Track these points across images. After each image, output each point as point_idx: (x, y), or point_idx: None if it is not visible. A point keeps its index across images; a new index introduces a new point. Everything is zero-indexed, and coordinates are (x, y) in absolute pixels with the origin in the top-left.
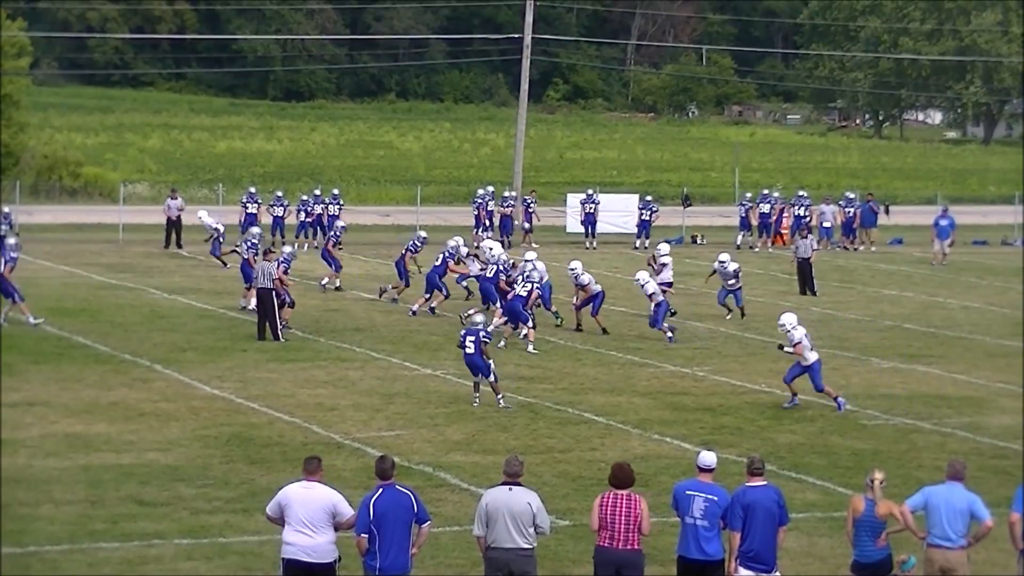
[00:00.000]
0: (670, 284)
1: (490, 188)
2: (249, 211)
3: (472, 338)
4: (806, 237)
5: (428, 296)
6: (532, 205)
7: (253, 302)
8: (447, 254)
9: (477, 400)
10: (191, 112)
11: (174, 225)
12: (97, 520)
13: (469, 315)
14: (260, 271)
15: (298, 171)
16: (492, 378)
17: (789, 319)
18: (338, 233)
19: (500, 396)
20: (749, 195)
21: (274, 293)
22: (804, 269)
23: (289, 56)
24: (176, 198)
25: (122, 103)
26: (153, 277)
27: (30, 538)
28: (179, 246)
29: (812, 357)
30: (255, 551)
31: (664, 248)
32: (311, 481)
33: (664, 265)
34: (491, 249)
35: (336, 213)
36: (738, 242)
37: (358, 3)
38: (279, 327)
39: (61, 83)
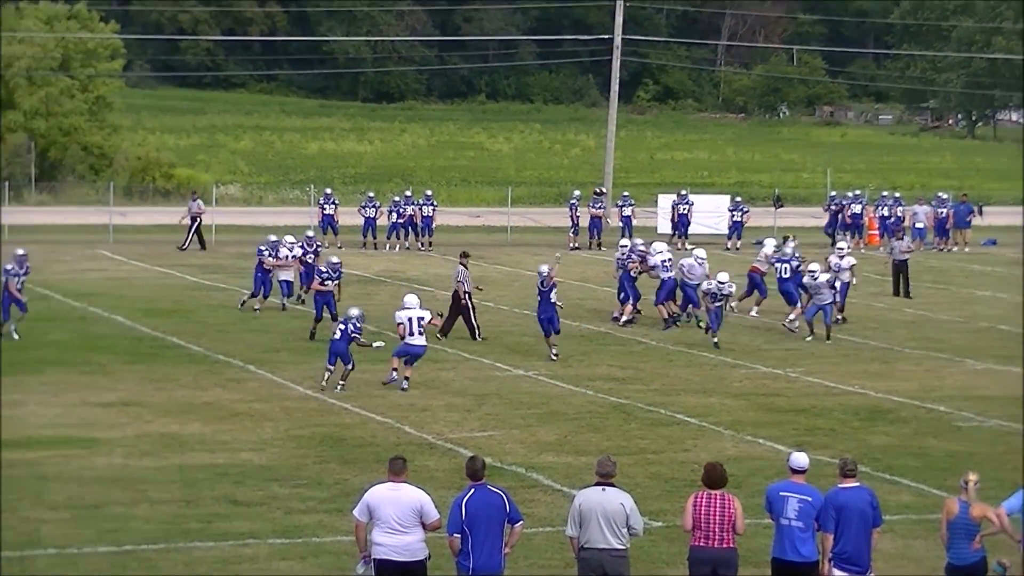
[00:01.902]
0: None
1: (576, 192)
2: (326, 212)
3: (341, 327)
4: (902, 238)
5: (633, 305)
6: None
7: (258, 304)
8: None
9: (325, 384)
10: (282, 114)
11: (194, 224)
12: (192, 519)
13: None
14: (458, 273)
15: (388, 172)
16: (350, 367)
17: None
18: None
19: (342, 384)
20: (834, 194)
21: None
22: (900, 270)
23: (379, 57)
24: (196, 199)
25: (214, 105)
26: (245, 278)
27: (126, 537)
28: (203, 246)
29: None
30: (348, 551)
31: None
32: (398, 482)
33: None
34: (660, 252)
35: (430, 214)
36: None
37: (448, 4)
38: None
39: (153, 85)
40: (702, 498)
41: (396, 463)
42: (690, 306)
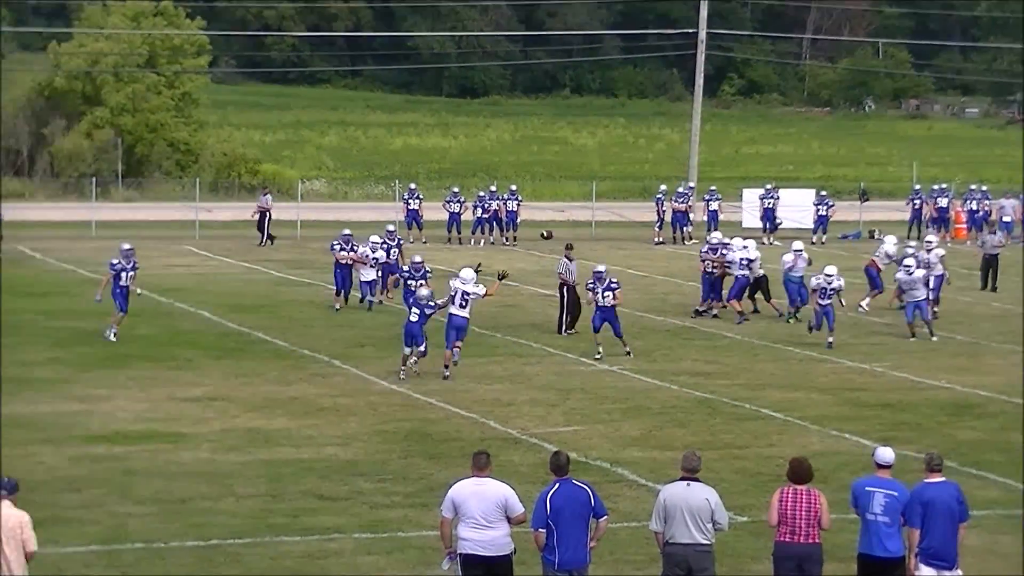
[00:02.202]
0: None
1: (662, 187)
2: (411, 207)
3: (417, 310)
4: (994, 232)
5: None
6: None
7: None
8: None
9: (404, 374)
10: (367, 109)
11: (264, 220)
12: (277, 514)
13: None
14: (560, 265)
15: (473, 167)
16: (423, 349)
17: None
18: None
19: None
20: (918, 187)
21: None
22: (990, 264)
23: (464, 53)
24: (266, 194)
25: (299, 101)
26: (330, 273)
27: (212, 531)
28: (271, 239)
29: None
30: (433, 545)
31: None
32: (481, 476)
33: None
34: (740, 248)
35: (515, 209)
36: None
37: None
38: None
39: (239, 81)
40: (788, 493)
41: (480, 458)
42: (798, 300)
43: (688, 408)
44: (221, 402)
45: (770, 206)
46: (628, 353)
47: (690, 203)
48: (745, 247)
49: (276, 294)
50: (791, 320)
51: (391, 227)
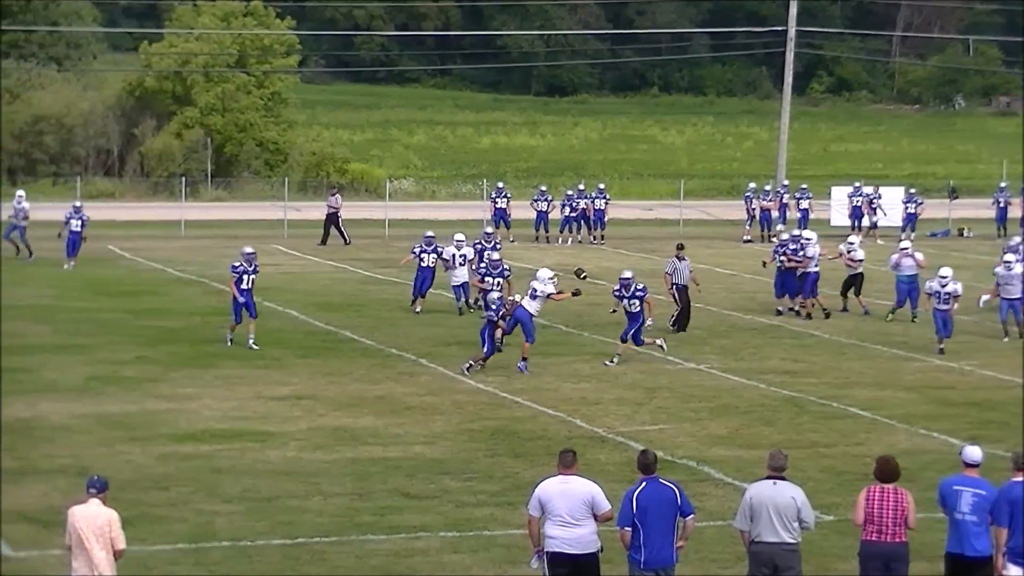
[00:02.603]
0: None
1: (751, 185)
2: (498, 206)
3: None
4: None
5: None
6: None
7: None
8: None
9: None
10: (455, 108)
11: (333, 220)
12: (364, 512)
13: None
14: (675, 268)
15: (560, 166)
16: (486, 350)
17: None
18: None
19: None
20: (1003, 185)
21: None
22: None
23: (552, 51)
24: (335, 194)
25: (387, 100)
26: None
27: (299, 530)
28: (345, 239)
29: None
30: (520, 544)
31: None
32: (568, 475)
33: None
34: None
35: (603, 208)
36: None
37: None
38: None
39: (328, 81)
40: (874, 492)
41: (566, 456)
42: (907, 301)
43: (775, 407)
44: (308, 401)
45: (858, 204)
46: (660, 346)
47: (784, 199)
48: (813, 242)
49: (363, 293)
50: (888, 318)
51: (489, 229)
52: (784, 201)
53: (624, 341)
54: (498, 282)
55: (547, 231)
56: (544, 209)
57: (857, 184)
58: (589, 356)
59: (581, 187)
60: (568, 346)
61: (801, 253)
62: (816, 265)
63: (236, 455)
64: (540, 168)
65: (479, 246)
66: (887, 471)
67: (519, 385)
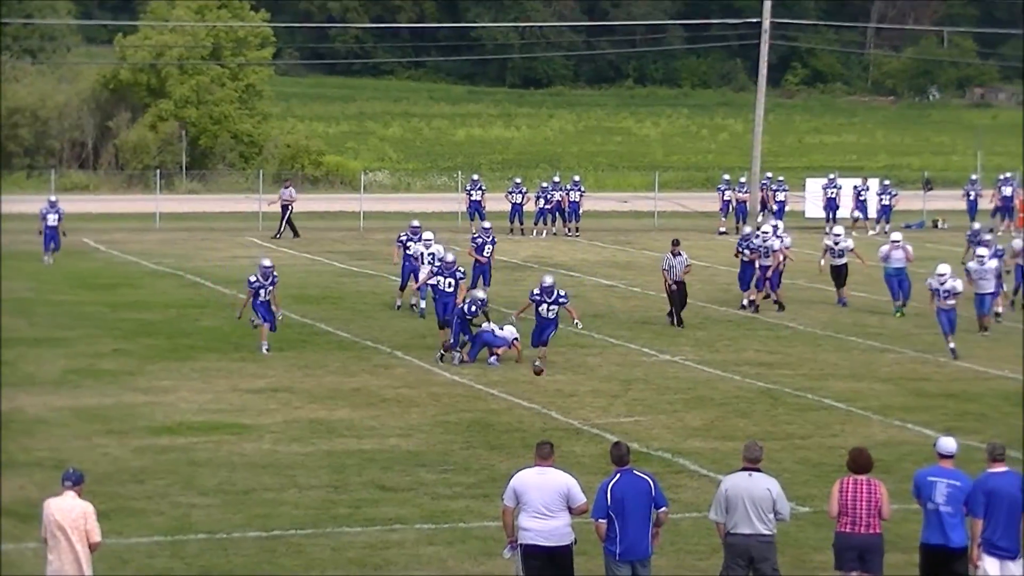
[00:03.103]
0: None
1: (726, 176)
2: (473, 198)
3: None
4: None
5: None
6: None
7: (402, 300)
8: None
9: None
10: (430, 100)
11: (285, 212)
12: (340, 505)
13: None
14: (671, 264)
15: (536, 158)
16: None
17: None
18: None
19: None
20: (975, 177)
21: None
22: None
23: (527, 43)
24: (288, 186)
25: (363, 92)
26: (395, 264)
27: (275, 522)
28: (295, 234)
29: None
30: (496, 536)
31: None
32: (544, 466)
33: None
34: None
35: (577, 200)
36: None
37: None
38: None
39: (303, 73)
40: (848, 483)
41: (543, 448)
42: (900, 294)
43: (751, 398)
44: (284, 393)
45: (832, 196)
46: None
47: (776, 189)
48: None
49: (339, 286)
50: (897, 314)
51: (487, 224)
52: (746, 192)
53: (536, 345)
54: (449, 282)
55: (522, 223)
56: (519, 201)
57: (832, 176)
58: (564, 348)
59: (556, 179)
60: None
61: (764, 245)
62: (778, 258)
63: (212, 448)
64: (515, 160)
65: (479, 240)
66: (860, 462)
67: (495, 377)
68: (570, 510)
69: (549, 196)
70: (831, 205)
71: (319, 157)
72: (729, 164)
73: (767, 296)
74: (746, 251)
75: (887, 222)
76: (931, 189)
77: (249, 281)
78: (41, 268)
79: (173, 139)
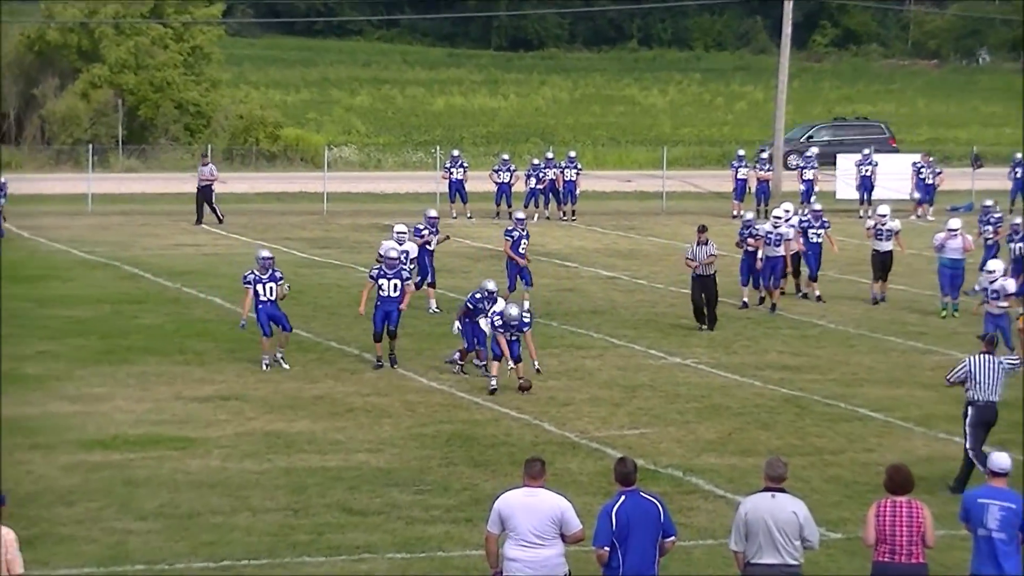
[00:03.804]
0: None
1: (741, 152)
2: (454, 177)
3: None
4: None
5: None
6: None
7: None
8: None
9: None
10: (404, 65)
11: (205, 195)
12: (300, 531)
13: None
14: (693, 253)
15: (525, 131)
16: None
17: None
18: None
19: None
20: (1020, 156)
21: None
22: None
23: None
24: (207, 164)
25: (326, 55)
26: (362, 253)
27: (225, 551)
28: (218, 217)
29: None
30: (479, 567)
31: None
32: (534, 487)
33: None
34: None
35: (574, 179)
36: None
37: None
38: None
39: (257, 33)
40: (886, 506)
41: (533, 466)
42: (948, 289)
43: (773, 407)
44: (235, 402)
45: (867, 174)
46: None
47: (803, 166)
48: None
49: (299, 278)
50: (943, 315)
51: (433, 212)
52: (769, 171)
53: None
54: (395, 284)
55: (509, 206)
56: (506, 181)
57: (866, 151)
58: (559, 350)
59: (549, 155)
60: (535, 338)
61: (776, 232)
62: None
63: (153, 465)
64: (502, 134)
65: (424, 234)
66: (899, 481)
67: (478, 383)
68: (563, 538)
69: (541, 175)
70: (866, 185)
71: (276, 130)
72: (748, 138)
73: (770, 293)
74: (749, 239)
75: (930, 204)
76: (981, 166)
77: (244, 277)
78: None
79: (108, 109)
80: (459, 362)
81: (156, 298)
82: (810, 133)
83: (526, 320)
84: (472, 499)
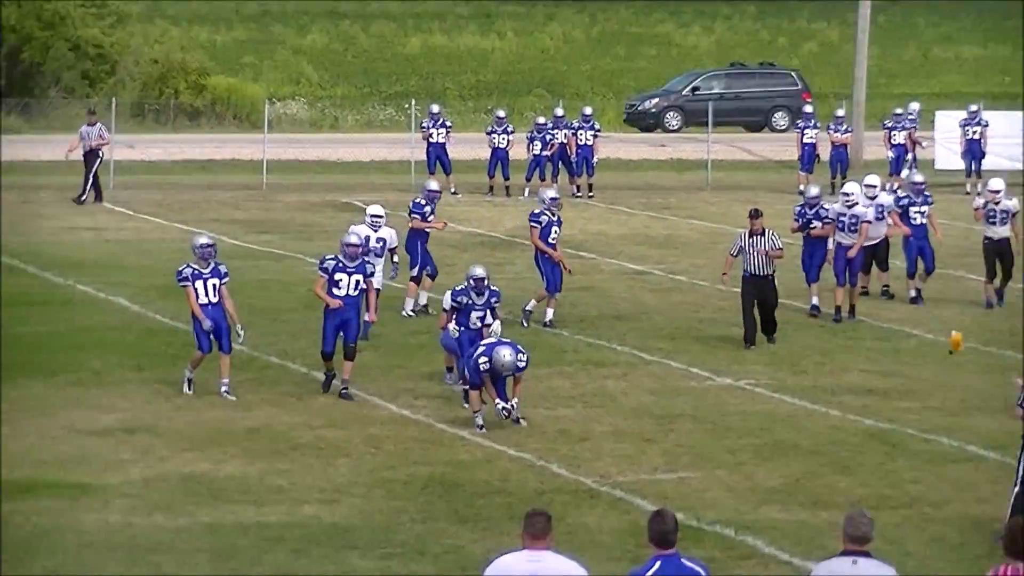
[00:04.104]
0: None
1: (808, 108)
2: (434, 140)
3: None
4: None
5: None
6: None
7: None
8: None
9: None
10: None
11: (91, 164)
12: None
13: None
14: (738, 247)
15: (528, 80)
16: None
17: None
18: None
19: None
20: None
21: None
22: None
23: None
24: (94, 123)
25: None
26: (312, 240)
27: None
28: (98, 197)
29: None
30: None
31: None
32: (538, 550)
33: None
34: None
35: (590, 143)
36: None
37: None
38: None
39: None
40: (1005, 574)
41: (536, 521)
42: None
43: (855, 444)
44: (144, 436)
45: (975, 136)
46: (514, 417)
47: (892, 127)
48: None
49: (231, 271)
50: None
51: (434, 184)
52: (847, 133)
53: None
54: (356, 281)
55: (507, 178)
56: (502, 145)
57: (974, 107)
58: (572, 367)
59: (559, 112)
60: (541, 351)
61: (852, 215)
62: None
63: (36, 519)
64: (496, 84)
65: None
66: (1021, 543)
67: (465, 413)
68: None
69: (548, 138)
70: (973, 150)
71: (201, 79)
72: (818, 90)
73: (850, 294)
74: (814, 222)
75: None
76: None
77: (179, 272)
78: None
79: None
80: (464, 387)
81: (43, 299)
82: (695, 84)
83: (520, 366)
84: (457, 565)
